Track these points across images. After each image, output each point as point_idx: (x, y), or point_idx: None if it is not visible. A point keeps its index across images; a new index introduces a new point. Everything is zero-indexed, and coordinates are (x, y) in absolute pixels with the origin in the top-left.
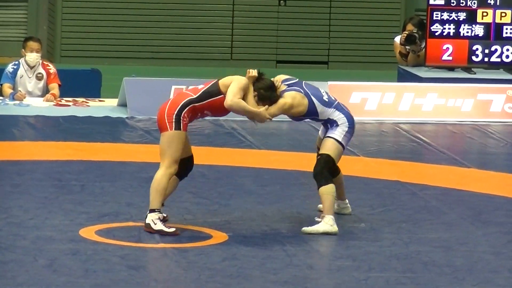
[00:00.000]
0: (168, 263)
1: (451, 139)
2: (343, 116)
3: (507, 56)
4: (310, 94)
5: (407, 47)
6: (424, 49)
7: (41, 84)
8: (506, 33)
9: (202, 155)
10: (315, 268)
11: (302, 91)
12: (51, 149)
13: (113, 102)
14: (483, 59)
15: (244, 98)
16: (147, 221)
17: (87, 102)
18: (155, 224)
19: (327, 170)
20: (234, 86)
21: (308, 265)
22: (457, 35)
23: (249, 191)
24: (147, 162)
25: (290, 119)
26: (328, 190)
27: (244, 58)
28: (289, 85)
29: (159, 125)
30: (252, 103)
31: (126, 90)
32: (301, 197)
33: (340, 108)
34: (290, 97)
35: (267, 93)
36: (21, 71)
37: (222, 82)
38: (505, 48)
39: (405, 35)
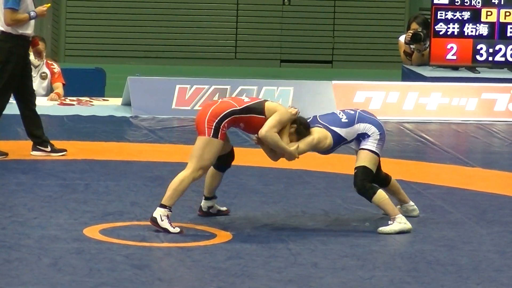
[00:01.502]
0: (173, 262)
1: (455, 138)
2: (370, 125)
3: (511, 55)
4: (327, 125)
5: (411, 46)
6: (428, 48)
7: (45, 83)
8: (511, 32)
9: None
10: (319, 266)
11: (320, 126)
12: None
13: (117, 101)
14: (487, 58)
15: (279, 132)
16: (155, 214)
17: (91, 101)
18: (162, 220)
19: (368, 181)
20: (274, 118)
21: (312, 263)
22: (461, 34)
23: (254, 190)
24: (151, 161)
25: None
26: (380, 197)
27: (248, 57)
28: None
29: (197, 127)
30: (286, 141)
31: (131, 89)
32: (305, 195)
33: (363, 118)
34: (317, 132)
35: (304, 130)
36: None
37: (268, 106)
38: (509, 47)
39: (411, 34)
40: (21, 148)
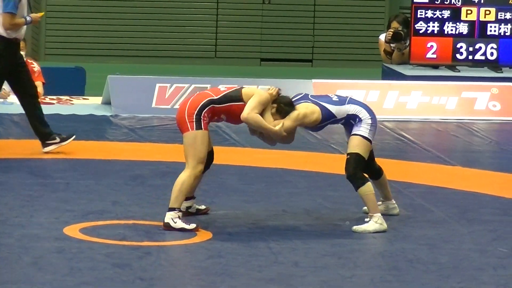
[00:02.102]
0: (153, 261)
1: (435, 137)
2: (361, 108)
3: (491, 54)
4: (318, 101)
5: (392, 45)
6: (408, 47)
7: None
8: (491, 31)
9: None
10: (300, 265)
11: (310, 101)
12: (36, 147)
13: (98, 100)
14: (467, 57)
15: (261, 114)
16: (166, 220)
17: (71, 100)
18: (175, 222)
19: (360, 169)
20: (253, 100)
21: (293, 262)
22: (441, 33)
23: (234, 189)
24: (132, 160)
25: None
26: (366, 190)
27: (229, 56)
28: (296, 101)
29: (179, 126)
30: (269, 120)
31: (111, 88)
32: (286, 194)
33: (355, 101)
34: (303, 107)
35: (286, 108)
36: None
37: (245, 91)
38: (489, 46)
39: (391, 33)
40: (1, 147)
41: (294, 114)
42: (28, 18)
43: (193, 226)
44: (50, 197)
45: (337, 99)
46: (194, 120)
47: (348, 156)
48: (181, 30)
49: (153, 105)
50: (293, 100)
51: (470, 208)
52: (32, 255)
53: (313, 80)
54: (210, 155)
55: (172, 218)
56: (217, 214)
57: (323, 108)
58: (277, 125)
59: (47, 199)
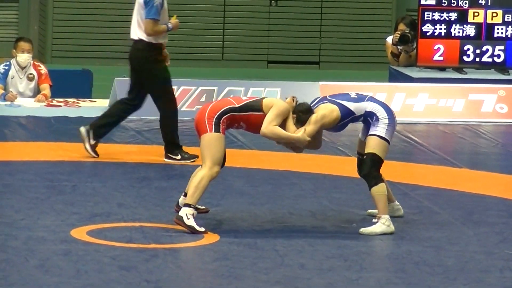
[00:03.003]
0: (160, 264)
1: (442, 139)
2: (380, 107)
3: (498, 56)
4: (335, 100)
5: (399, 47)
6: (415, 49)
7: (32, 84)
8: (497, 33)
9: None
10: (306, 267)
11: (327, 101)
12: (42, 149)
13: (104, 102)
14: (474, 59)
15: (283, 124)
16: (181, 213)
17: (78, 103)
18: (188, 219)
19: (375, 169)
20: (271, 113)
21: (299, 264)
22: (448, 35)
23: (241, 192)
24: (138, 162)
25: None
26: (379, 190)
27: (236, 59)
28: (314, 105)
29: (197, 127)
30: (293, 129)
31: (117, 90)
32: (292, 197)
33: (374, 100)
34: (321, 109)
35: (305, 116)
36: (12, 72)
37: (265, 102)
38: (496, 48)
39: (399, 35)
40: (7, 150)
41: (313, 118)
42: (169, 26)
43: (202, 229)
44: (57, 200)
45: (356, 96)
46: (213, 123)
47: (365, 156)
48: (188, 33)
49: None
50: (312, 104)
51: (476, 210)
52: (38, 257)
53: (320, 82)
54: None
55: (186, 213)
56: (224, 217)
57: (340, 106)
58: (299, 133)
59: (54, 201)
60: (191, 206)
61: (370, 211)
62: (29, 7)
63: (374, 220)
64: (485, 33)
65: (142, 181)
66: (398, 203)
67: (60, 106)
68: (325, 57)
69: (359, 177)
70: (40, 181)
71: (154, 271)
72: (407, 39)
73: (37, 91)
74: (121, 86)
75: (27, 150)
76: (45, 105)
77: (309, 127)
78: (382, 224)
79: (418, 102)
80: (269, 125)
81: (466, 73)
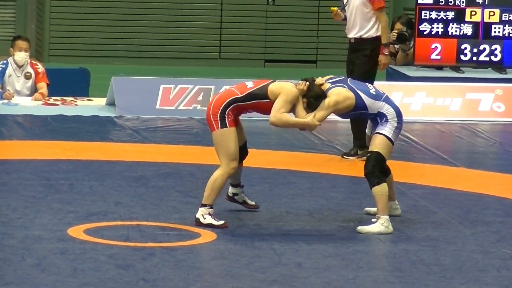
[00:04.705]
0: (157, 262)
1: (439, 138)
2: (392, 110)
3: (496, 55)
4: (355, 88)
5: (396, 46)
6: (412, 48)
7: (30, 83)
8: (495, 32)
9: (191, 154)
10: (303, 266)
11: (347, 86)
12: (40, 148)
13: (102, 101)
14: (471, 58)
15: (293, 108)
16: (197, 215)
17: (76, 101)
18: (204, 218)
19: (378, 168)
20: (279, 101)
21: (296, 263)
22: (445, 34)
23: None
24: (135, 161)
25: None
26: (381, 190)
27: (233, 57)
28: (332, 83)
29: (208, 123)
30: (302, 115)
31: (115, 89)
32: (289, 196)
33: (389, 101)
34: (334, 94)
35: (317, 102)
36: (9, 70)
37: (271, 88)
38: (493, 47)
39: (396, 34)
40: (4, 148)
41: (325, 103)
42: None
43: (221, 222)
44: (53, 198)
45: (374, 92)
46: (218, 118)
47: (369, 154)
48: (185, 31)
49: (157, 106)
50: (330, 80)
51: (474, 210)
52: (35, 256)
53: None
54: (243, 148)
55: (202, 214)
56: (221, 215)
57: (358, 97)
58: (309, 117)
59: (51, 200)
60: (207, 205)
61: (367, 209)
62: (26, 5)
63: (373, 220)
64: (482, 32)
65: (139, 180)
66: (397, 203)
67: (57, 104)
68: (323, 56)
69: (357, 176)
70: (37, 180)
71: (151, 270)
72: (405, 38)
73: (34, 90)
74: (119, 84)
75: (24, 148)
76: (42, 104)
77: (320, 113)
78: (381, 225)
79: (415, 101)
80: (277, 114)
81: (463, 72)
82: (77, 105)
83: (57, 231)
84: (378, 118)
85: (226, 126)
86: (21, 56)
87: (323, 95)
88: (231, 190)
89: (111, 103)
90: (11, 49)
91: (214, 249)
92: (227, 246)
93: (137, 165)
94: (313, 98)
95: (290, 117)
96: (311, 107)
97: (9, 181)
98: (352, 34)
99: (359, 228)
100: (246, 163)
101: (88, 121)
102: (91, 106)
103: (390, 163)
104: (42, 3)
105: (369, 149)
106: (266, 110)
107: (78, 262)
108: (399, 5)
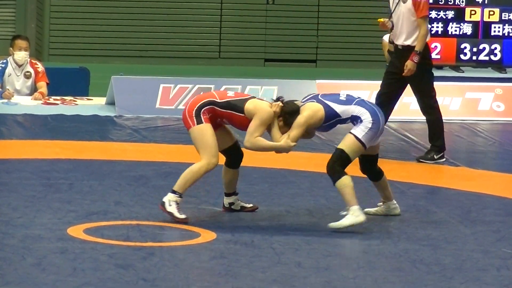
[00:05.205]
0: (156, 262)
1: None
2: (366, 111)
3: (495, 55)
4: (324, 100)
5: None
6: None
7: (29, 82)
8: (494, 31)
9: (190, 154)
10: (303, 266)
11: (315, 100)
12: (39, 147)
13: (101, 100)
14: (471, 57)
15: (269, 131)
16: (164, 199)
17: (75, 101)
18: (170, 205)
19: (339, 164)
20: (253, 124)
21: (296, 263)
22: (445, 33)
23: (237, 190)
24: (135, 160)
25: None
26: (343, 183)
27: (232, 57)
28: (304, 102)
29: (183, 122)
30: (277, 136)
31: (115, 88)
32: (289, 195)
33: (363, 103)
34: (305, 110)
35: (292, 118)
36: (9, 70)
37: (248, 107)
38: (493, 46)
39: None
40: (4, 148)
41: (297, 121)
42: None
43: (183, 216)
44: (53, 198)
45: (345, 98)
46: (194, 115)
47: (334, 151)
48: (185, 31)
49: (157, 105)
50: (302, 101)
51: (474, 209)
52: (35, 255)
53: (317, 81)
54: (235, 149)
55: (169, 200)
56: (221, 215)
57: (326, 107)
58: (282, 139)
59: (50, 199)
60: (177, 193)
61: (367, 210)
62: (26, 5)
63: (342, 213)
64: (482, 31)
65: (139, 179)
66: (395, 202)
67: (57, 104)
68: (322, 55)
69: (357, 175)
70: (37, 179)
71: (151, 270)
72: None
73: (34, 89)
74: (118, 84)
75: (24, 148)
76: (42, 103)
77: (293, 132)
78: (351, 216)
79: (415, 101)
80: (250, 138)
81: (463, 72)
82: (77, 104)
83: (57, 230)
84: (354, 121)
85: (202, 122)
86: (21, 55)
87: (298, 110)
88: (226, 200)
89: (111, 103)
90: (11, 48)
91: (214, 249)
92: (227, 246)
93: (137, 164)
94: (288, 114)
95: (265, 141)
96: (287, 124)
97: (9, 181)
98: (400, 41)
99: (330, 224)
100: (246, 162)
101: (88, 121)
102: (91, 105)
103: (390, 162)
104: (42, 2)
105: (338, 146)
106: (239, 124)
107: (78, 262)
108: None
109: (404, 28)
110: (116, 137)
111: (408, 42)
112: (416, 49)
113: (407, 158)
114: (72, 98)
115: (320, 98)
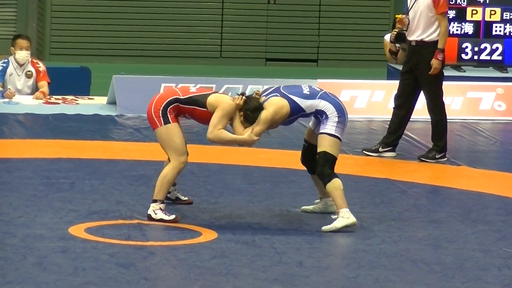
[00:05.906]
0: (158, 261)
1: None
2: (330, 105)
3: (497, 54)
4: (287, 94)
5: (397, 44)
6: None
7: (31, 82)
8: (496, 31)
9: (191, 153)
10: (304, 265)
11: (279, 94)
12: (40, 147)
13: (103, 100)
14: (472, 57)
15: (232, 124)
16: (149, 212)
17: (77, 100)
18: (156, 214)
19: (328, 166)
20: (215, 116)
21: (297, 262)
22: None
23: (239, 189)
24: (136, 160)
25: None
26: (333, 185)
27: (234, 56)
28: (266, 95)
29: (149, 122)
30: (240, 129)
31: (116, 88)
32: (290, 194)
33: (326, 97)
34: (269, 105)
35: (253, 114)
36: (10, 69)
37: (210, 100)
38: (494, 46)
39: (395, 33)
40: (5, 147)
41: (263, 116)
42: None
43: (172, 217)
44: (55, 197)
45: (308, 92)
46: (161, 115)
47: (317, 156)
48: (186, 30)
49: None
50: (264, 93)
51: (475, 208)
52: (36, 255)
53: (318, 80)
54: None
55: (154, 210)
56: (222, 214)
57: (291, 102)
58: (246, 132)
59: (52, 199)
60: (157, 201)
61: (304, 207)
62: (27, 4)
63: (333, 217)
64: (483, 31)
65: (140, 178)
66: (331, 199)
67: (58, 103)
68: (324, 55)
69: (358, 174)
70: (38, 179)
71: (152, 269)
72: (403, 37)
73: (35, 89)
74: (120, 83)
75: (25, 147)
76: (43, 103)
77: (257, 127)
78: (342, 218)
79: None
80: (214, 130)
81: (464, 71)
82: (78, 103)
83: (58, 229)
84: (319, 115)
85: (169, 122)
86: (22, 54)
87: (260, 107)
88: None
89: (112, 102)
90: (12, 47)
91: (215, 248)
92: (228, 245)
93: (138, 164)
94: (249, 111)
95: (228, 134)
96: (248, 120)
97: (10, 180)
98: (414, 37)
99: (323, 228)
100: (246, 162)
101: (89, 120)
102: (92, 105)
103: (390, 161)
104: (43, 2)
105: (318, 150)
106: (202, 119)
107: (79, 261)
108: (400, 4)
109: (420, 24)
110: (117, 136)
111: (422, 37)
112: (439, 46)
113: (408, 158)
114: (73, 97)
115: (283, 91)
